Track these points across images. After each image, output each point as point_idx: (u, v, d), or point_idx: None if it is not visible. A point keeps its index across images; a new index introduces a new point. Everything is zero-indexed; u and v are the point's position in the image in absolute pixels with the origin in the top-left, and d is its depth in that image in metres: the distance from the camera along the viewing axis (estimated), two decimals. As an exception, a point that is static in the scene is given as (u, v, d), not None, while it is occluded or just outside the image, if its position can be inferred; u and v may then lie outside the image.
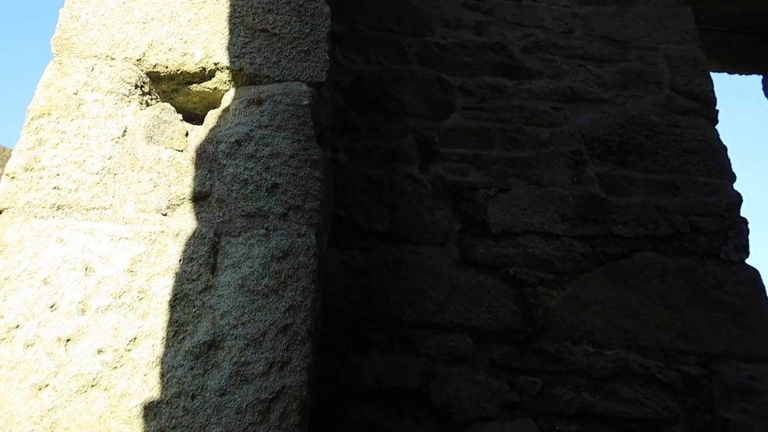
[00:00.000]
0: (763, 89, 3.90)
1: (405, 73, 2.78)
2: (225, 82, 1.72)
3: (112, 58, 1.67)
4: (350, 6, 2.86)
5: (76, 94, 1.59)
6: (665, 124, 2.81)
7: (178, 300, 1.40)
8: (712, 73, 3.79)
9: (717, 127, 2.90)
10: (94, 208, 1.48)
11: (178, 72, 1.70)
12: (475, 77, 2.82)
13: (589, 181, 2.63)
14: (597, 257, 2.48)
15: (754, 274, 2.55)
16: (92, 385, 1.30)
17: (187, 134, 1.62)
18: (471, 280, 2.39)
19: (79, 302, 1.37)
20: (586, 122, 2.76)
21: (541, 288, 2.39)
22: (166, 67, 1.70)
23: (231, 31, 1.73)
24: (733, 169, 2.80)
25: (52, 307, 1.36)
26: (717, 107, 2.93)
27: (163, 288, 1.41)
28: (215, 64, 1.70)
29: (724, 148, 2.83)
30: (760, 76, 3.92)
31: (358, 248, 2.42)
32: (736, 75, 3.93)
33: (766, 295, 2.52)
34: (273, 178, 1.55)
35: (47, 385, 1.29)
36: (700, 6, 3.32)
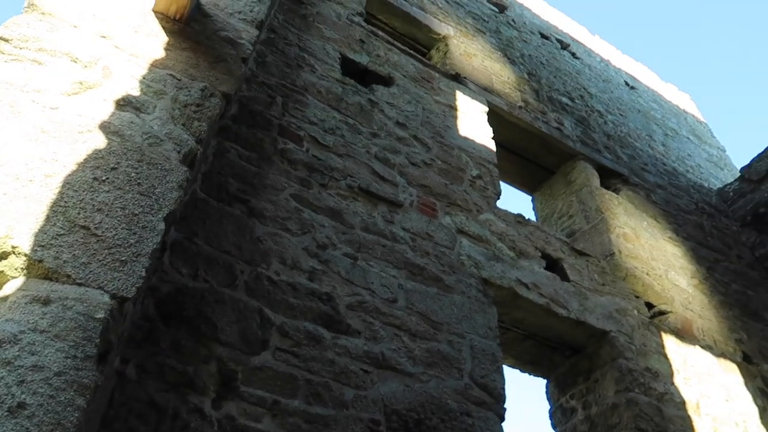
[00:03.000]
0: (546, 393, 4.33)
1: (229, 299, 2.71)
2: (17, 269, 1.52)
3: None
4: (194, 218, 2.86)
5: None
6: (460, 411, 2.94)
7: None
8: (507, 368, 4.18)
9: (504, 424, 3.08)
10: None
11: (-36, 243, 1.49)
12: (296, 320, 2.82)
13: (381, 456, 2.56)
14: None
15: None
16: None
17: (-62, 316, 1.36)
18: None
19: None
20: (389, 392, 2.80)
21: None
22: (-49, 234, 1.48)
23: (48, 218, 1.60)
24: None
25: None
26: (506, 405, 3.15)
27: None
28: (13, 247, 1.52)
29: (507, 447, 2.97)
30: (545, 380, 4.38)
31: (109, 486, 2.03)
32: (528, 374, 4.35)
33: None
34: (23, 396, 1.30)
35: None
36: (504, 308, 3.78)
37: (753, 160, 6.30)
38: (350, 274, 3.16)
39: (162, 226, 1.75)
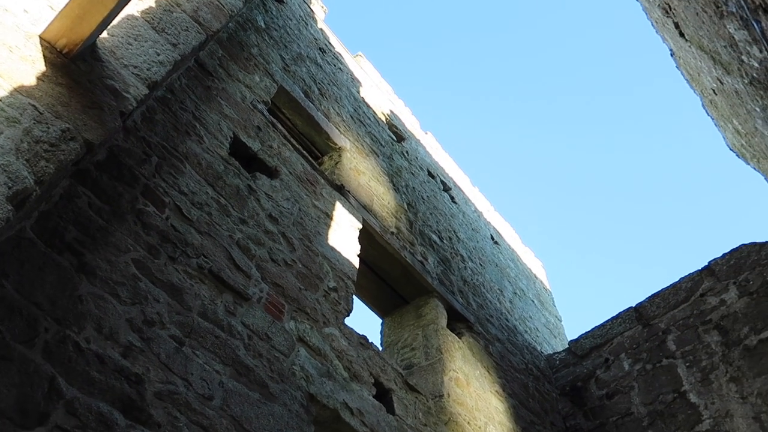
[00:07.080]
0: None
1: (19, 357, 2.38)
2: None
3: None
4: (12, 258, 2.54)
5: None
6: None
7: None
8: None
9: None
10: None
11: None
12: (92, 398, 2.52)
13: None
14: None
15: None
16: None
17: None
18: None
19: None
20: (172, 502, 2.52)
21: None
22: None
23: None
24: None
25: None
26: None
27: None
28: None
29: None
30: None
31: None
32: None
33: None
34: None
35: None
36: (323, 429, 3.65)
37: (581, 336, 6.91)
38: (170, 359, 2.93)
39: (-44, 263, 1.54)
